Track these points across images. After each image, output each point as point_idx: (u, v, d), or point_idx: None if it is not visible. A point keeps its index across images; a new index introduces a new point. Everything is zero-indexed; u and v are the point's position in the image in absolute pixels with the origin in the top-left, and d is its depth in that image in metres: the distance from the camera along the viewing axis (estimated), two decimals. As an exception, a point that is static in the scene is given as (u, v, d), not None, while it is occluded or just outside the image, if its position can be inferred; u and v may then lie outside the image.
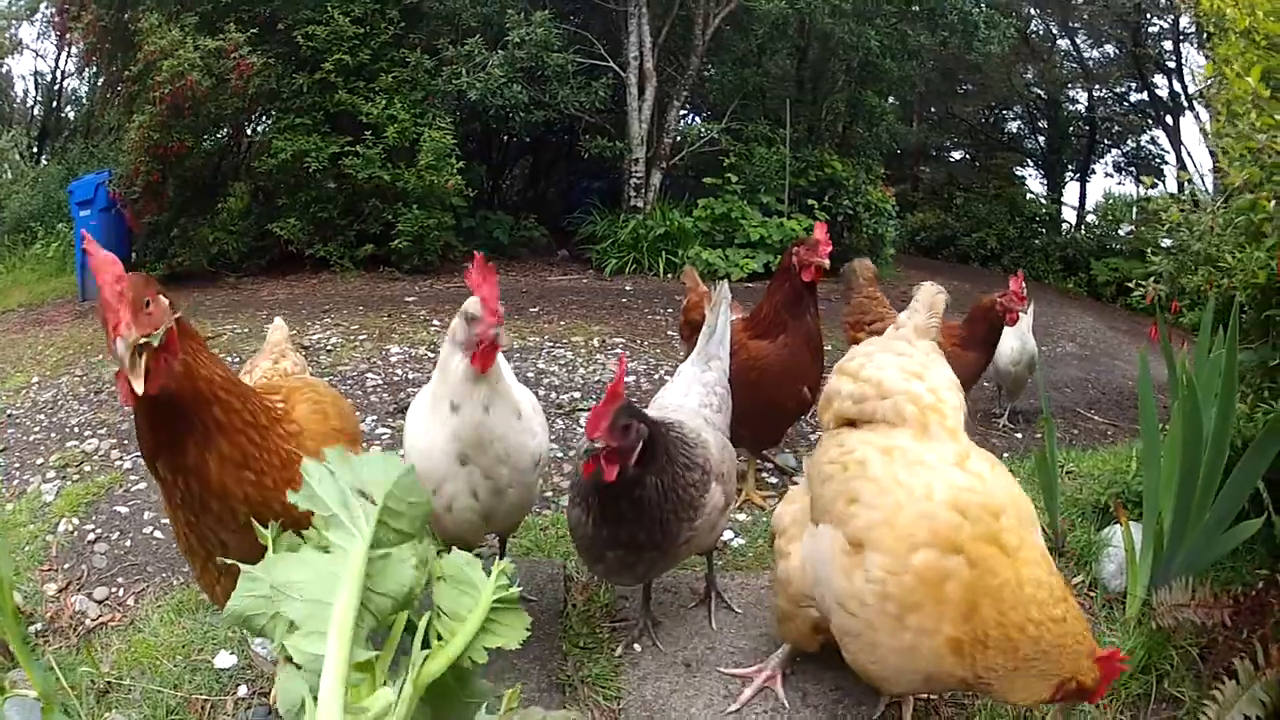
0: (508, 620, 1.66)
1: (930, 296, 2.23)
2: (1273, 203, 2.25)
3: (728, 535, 3.08)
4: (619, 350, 6.08)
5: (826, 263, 3.16)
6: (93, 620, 2.68)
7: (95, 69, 12.51)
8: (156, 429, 1.53)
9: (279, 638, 1.44)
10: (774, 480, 3.77)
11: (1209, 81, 2.80)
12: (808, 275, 3.17)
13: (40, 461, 4.01)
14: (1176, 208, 3.13)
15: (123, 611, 2.72)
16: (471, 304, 1.97)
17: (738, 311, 3.27)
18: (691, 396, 2.48)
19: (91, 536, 3.21)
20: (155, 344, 1.42)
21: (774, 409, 3.29)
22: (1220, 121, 2.49)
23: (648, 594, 2.50)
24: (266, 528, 1.61)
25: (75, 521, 3.32)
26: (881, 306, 4.10)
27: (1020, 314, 3.96)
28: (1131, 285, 3.51)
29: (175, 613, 2.59)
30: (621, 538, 1.97)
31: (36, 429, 4.50)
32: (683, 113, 11.81)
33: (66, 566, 3.02)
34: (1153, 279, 3.23)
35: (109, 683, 2.24)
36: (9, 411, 4.87)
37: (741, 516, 3.29)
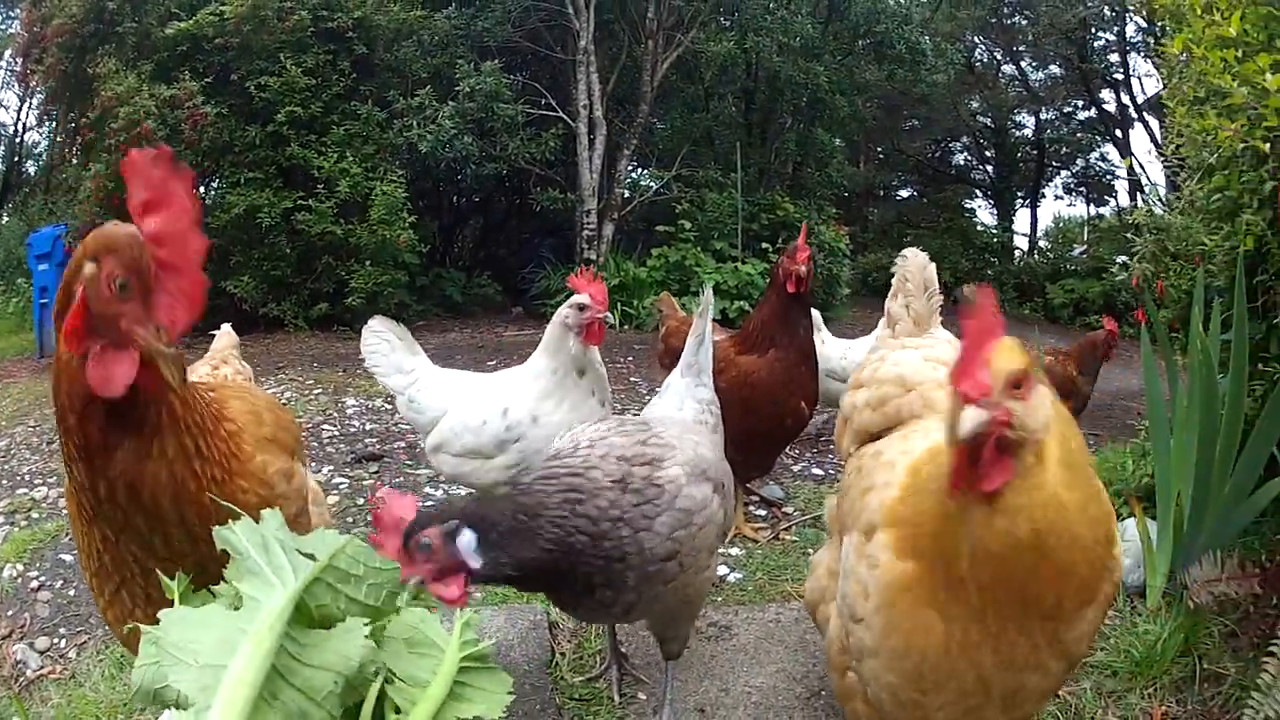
0: (483, 683, 1.41)
1: (922, 271, 1.75)
2: (1267, 145, 2.19)
3: (722, 570, 2.97)
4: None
5: (803, 269, 3.06)
6: (34, 671, 2.57)
7: (54, 120, 12.43)
8: (98, 424, 1.31)
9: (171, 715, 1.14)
10: (762, 513, 3.64)
11: (1177, 61, 2.76)
12: (790, 287, 3.09)
13: (-14, 509, 3.85)
14: (1144, 209, 3.10)
15: (64, 664, 2.61)
16: (580, 297, 2.64)
17: (718, 333, 3.16)
18: (686, 410, 2.20)
19: (35, 584, 3.10)
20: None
21: (770, 427, 3.16)
22: (1181, 111, 2.49)
23: (613, 632, 2.27)
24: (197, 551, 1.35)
25: (20, 568, 3.20)
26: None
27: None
28: (1089, 300, 3.46)
29: (118, 668, 2.43)
30: (576, 588, 1.63)
31: (-15, 477, 4.32)
32: (632, 165, 11.84)
33: (10, 614, 2.93)
34: (1138, 257, 3.11)
35: (41, 739, 2.09)
36: (-43, 461, 4.66)
37: (735, 550, 3.20)
